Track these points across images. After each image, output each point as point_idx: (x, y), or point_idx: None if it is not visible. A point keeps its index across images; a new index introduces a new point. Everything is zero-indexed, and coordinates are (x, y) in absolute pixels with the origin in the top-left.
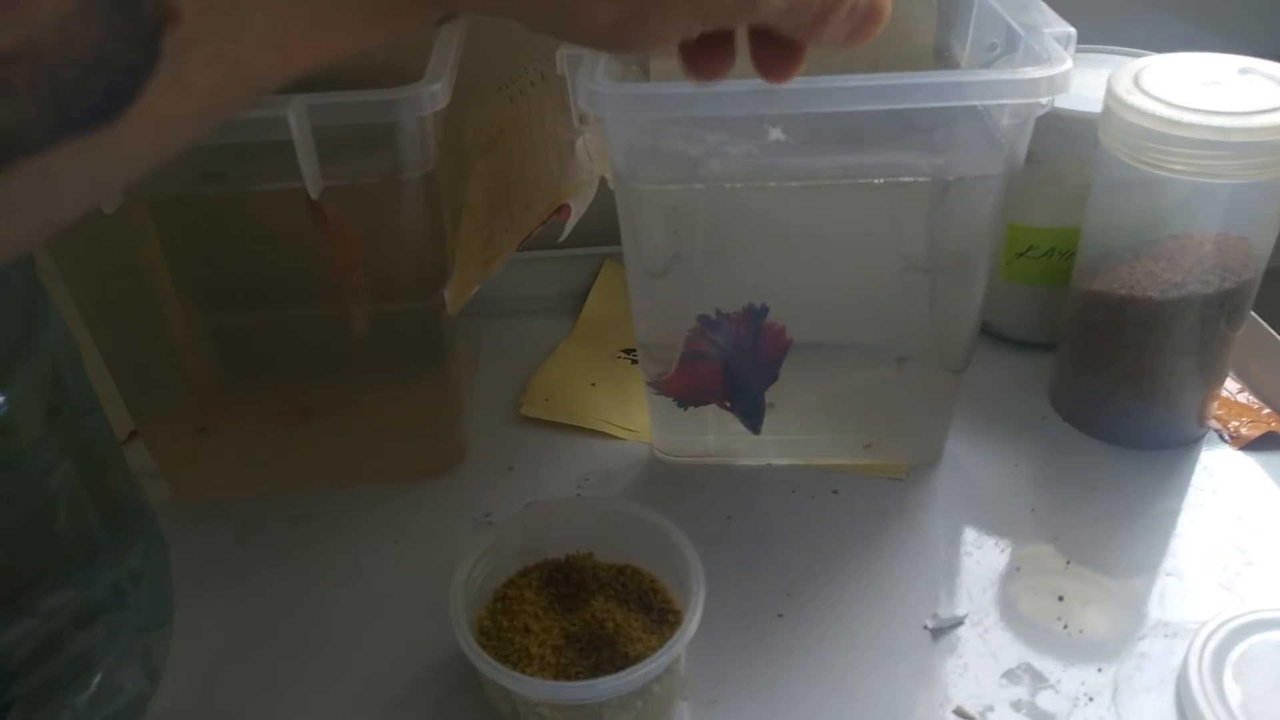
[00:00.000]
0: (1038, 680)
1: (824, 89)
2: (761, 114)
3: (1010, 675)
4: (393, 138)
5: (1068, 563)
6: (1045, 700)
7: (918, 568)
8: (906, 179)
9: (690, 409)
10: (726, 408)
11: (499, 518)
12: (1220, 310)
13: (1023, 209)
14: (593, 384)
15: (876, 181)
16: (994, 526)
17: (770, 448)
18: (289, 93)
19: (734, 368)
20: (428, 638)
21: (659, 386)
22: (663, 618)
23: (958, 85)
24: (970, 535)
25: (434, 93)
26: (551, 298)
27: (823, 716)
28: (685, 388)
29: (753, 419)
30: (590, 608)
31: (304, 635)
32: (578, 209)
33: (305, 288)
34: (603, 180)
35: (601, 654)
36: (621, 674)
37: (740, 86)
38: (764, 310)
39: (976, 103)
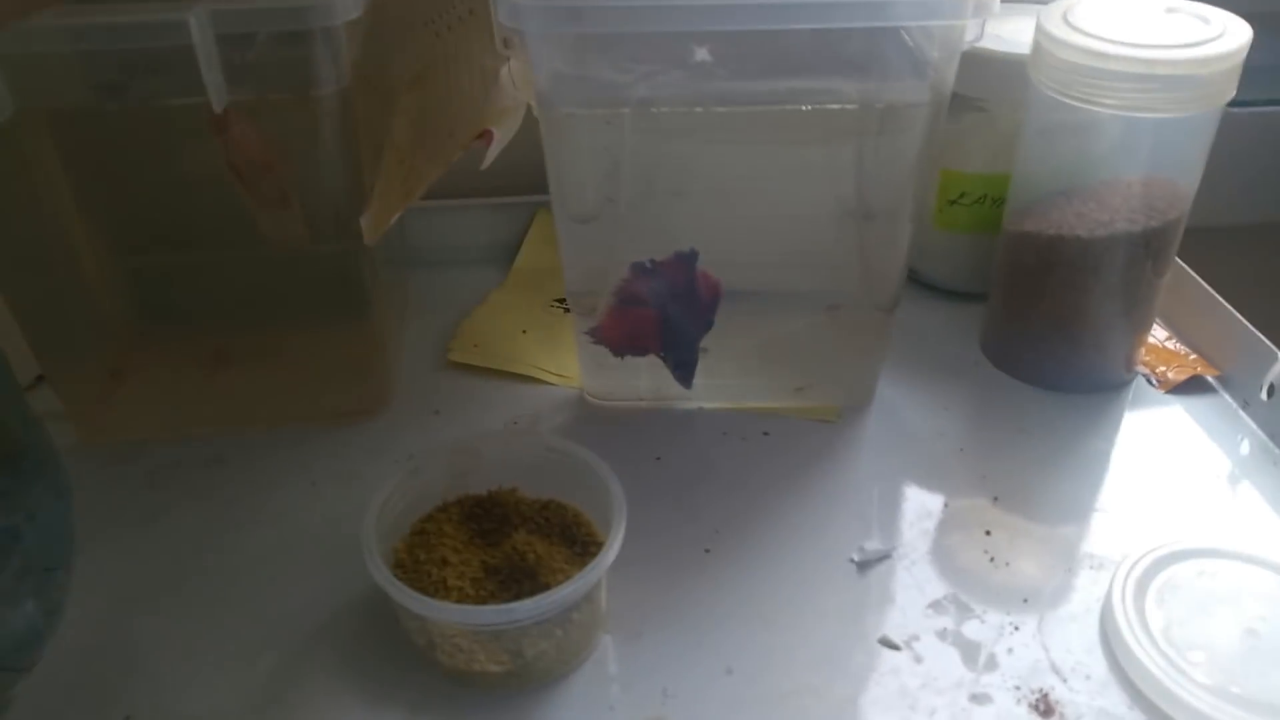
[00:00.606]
0: (964, 611)
1: (750, 5)
2: (688, 30)
3: (936, 606)
4: (304, 50)
5: (995, 499)
6: (971, 629)
7: (846, 505)
8: (834, 105)
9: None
10: (661, 358)
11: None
12: (1147, 250)
13: (956, 155)
14: (524, 331)
15: (804, 108)
16: (923, 466)
17: (702, 391)
18: None
19: (670, 315)
20: (344, 577)
21: (595, 335)
22: (586, 550)
23: (882, 5)
24: (899, 474)
25: (344, 1)
26: (484, 247)
27: (747, 647)
28: (621, 337)
29: (685, 371)
30: (511, 540)
31: (215, 576)
32: (501, 136)
33: (224, 229)
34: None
35: (523, 585)
36: (539, 598)
37: (667, 1)
38: (694, 255)
39: (900, 24)
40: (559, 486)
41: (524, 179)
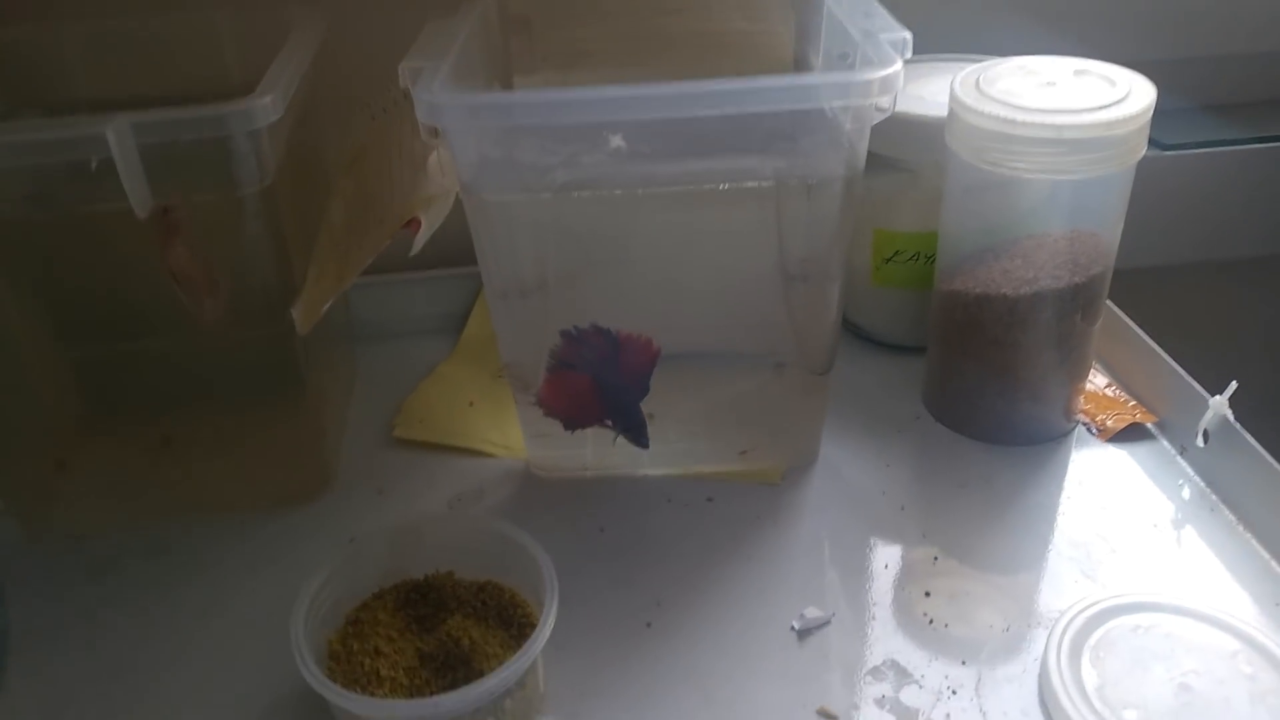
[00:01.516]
0: (902, 676)
1: (658, 95)
2: (599, 121)
3: (875, 672)
4: (227, 153)
5: (935, 559)
6: (909, 695)
7: (788, 571)
8: (750, 184)
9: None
10: (609, 426)
11: None
12: (1074, 304)
13: (888, 214)
14: (470, 403)
15: (722, 187)
16: (865, 526)
17: (646, 459)
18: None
19: (603, 381)
20: (283, 668)
21: (544, 408)
22: (522, 632)
23: (787, 89)
24: (841, 536)
25: (265, 106)
26: (432, 318)
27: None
28: (564, 406)
29: (636, 433)
30: (446, 626)
31: (155, 672)
32: (430, 223)
33: (164, 317)
34: None
35: (457, 672)
36: (466, 689)
37: (579, 94)
38: (611, 332)
39: (806, 106)
40: (496, 567)
41: (470, 250)
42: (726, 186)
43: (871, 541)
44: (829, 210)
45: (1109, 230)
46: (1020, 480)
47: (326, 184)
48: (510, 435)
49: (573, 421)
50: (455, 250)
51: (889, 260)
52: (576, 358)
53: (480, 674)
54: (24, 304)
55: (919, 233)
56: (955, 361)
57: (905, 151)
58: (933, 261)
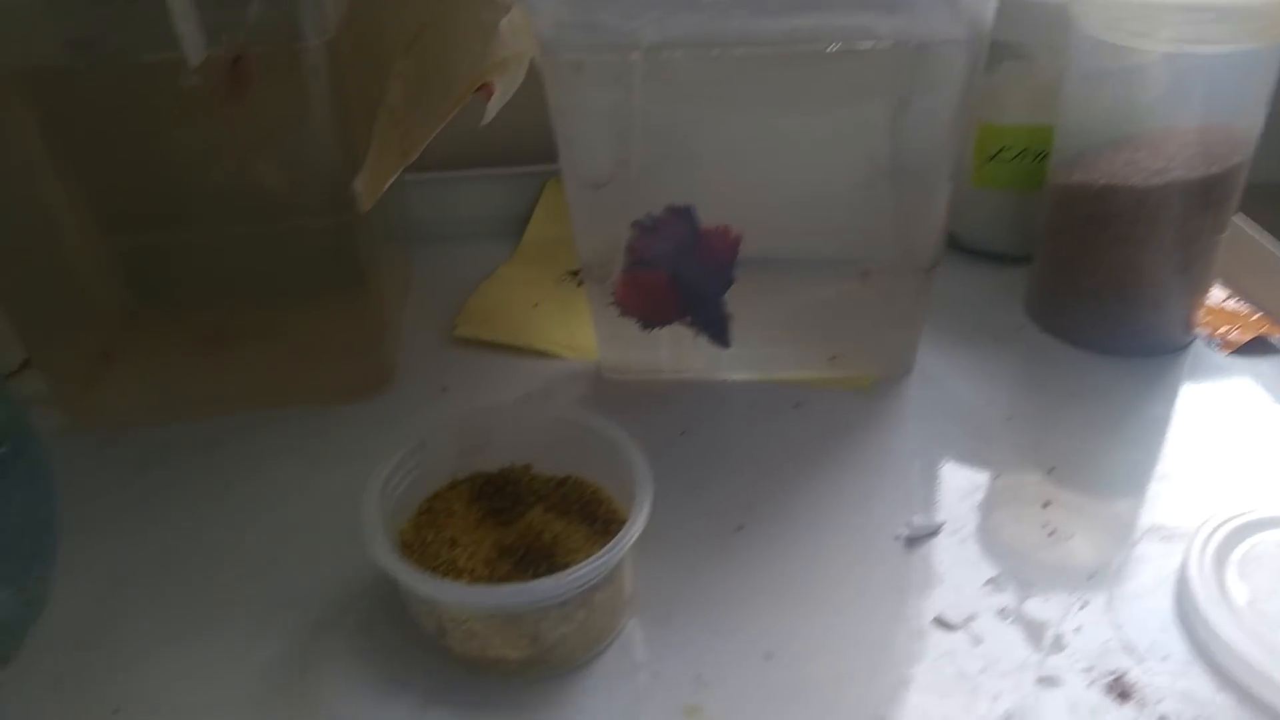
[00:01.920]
0: (1024, 588)
1: None
2: None
3: (993, 583)
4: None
5: (1051, 469)
6: (1033, 608)
7: (888, 479)
8: (864, 44)
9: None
10: (689, 324)
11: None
12: (1206, 200)
13: (992, 108)
14: (535, 305)
15: (830, 49)
16: (970, 436)
17: (727, 362)
18: None
19: (681, 274)
20: (348, 561)
21: (621, 307)
22: (607, 528)
23: None
24: (944, 445)
25: None
26: (490, 220)
27: (787, 630)
28: (640, 304)
29: (716, 330)
30: (526, 519)
31: (209, 563)
32: (503, 90)
33: (217, 205)
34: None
35: (539, 566)
36: (558, 576)
37: None
38: (688, 210)
39: None
40: (576, 462)
41: (532, 147)
42: (836, 47)
43: (979, 451)
44: (948, 88)
45: (1247, 120)
46: (1138, 392)
47: (385, 66)
48: (578, 337)
49: (650, 320)
50: (516, 145)
51: (993, 158)
52: (652, 251)
53: (565, 567)
54: (71, 185)
55: (1028, 126)
56: (1070, 263)
57: (1017, 35)
58: (1040, 160)
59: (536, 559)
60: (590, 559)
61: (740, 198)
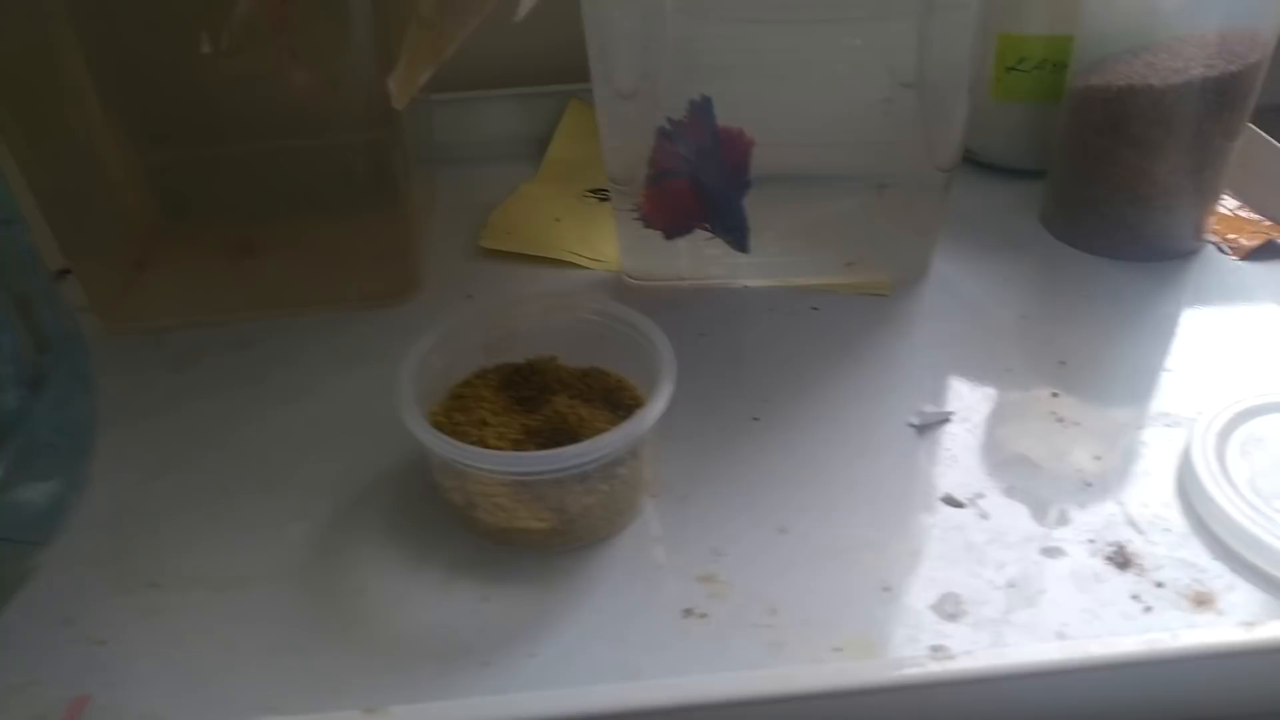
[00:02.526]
0: (1032, 469)
1: None
2: None
3: (1002, 465)
4: None
5: (1062, 363)
6: (1040, 486)
7: (902, 372)
8: None
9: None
10: (708, 230)
11: None
12: (1221, 101)
13: (1013, 18)
14: (557, 219)
15: None
16: (983, 333)
17: (746, 269)
18: None
19: (703, 178)
20: (377, 449)
21: (645, 220)
22: (630, 413)
23: None
24: (958, 342)
25: None
26: (512, 141)
27: (801, 506)
28: (665, 214)
29: (737, 234)
30: (553, 404)
31: (241, 451)
32: None
33: (250, 120)
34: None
35: (564, 446)
36: (583, 444)
37: None
38: (706, 102)
39: None
40: (601, 355)
41: (554, 65)
42: None
43: (991, 347)
44: None
45: (1268, 21)
46: (1149, 293)
47: None
48: (600, 249)
49: (673, 229)
50: (538, 65)
51: (1012, 69)
52: (673, 159)
53: None
54: (108, 98)
55: (1048, 36)
56: (1085, 170)
57: None
58: (1060, 71)
59: (562, 440)
60: (613, 431)
61: (763, 112)
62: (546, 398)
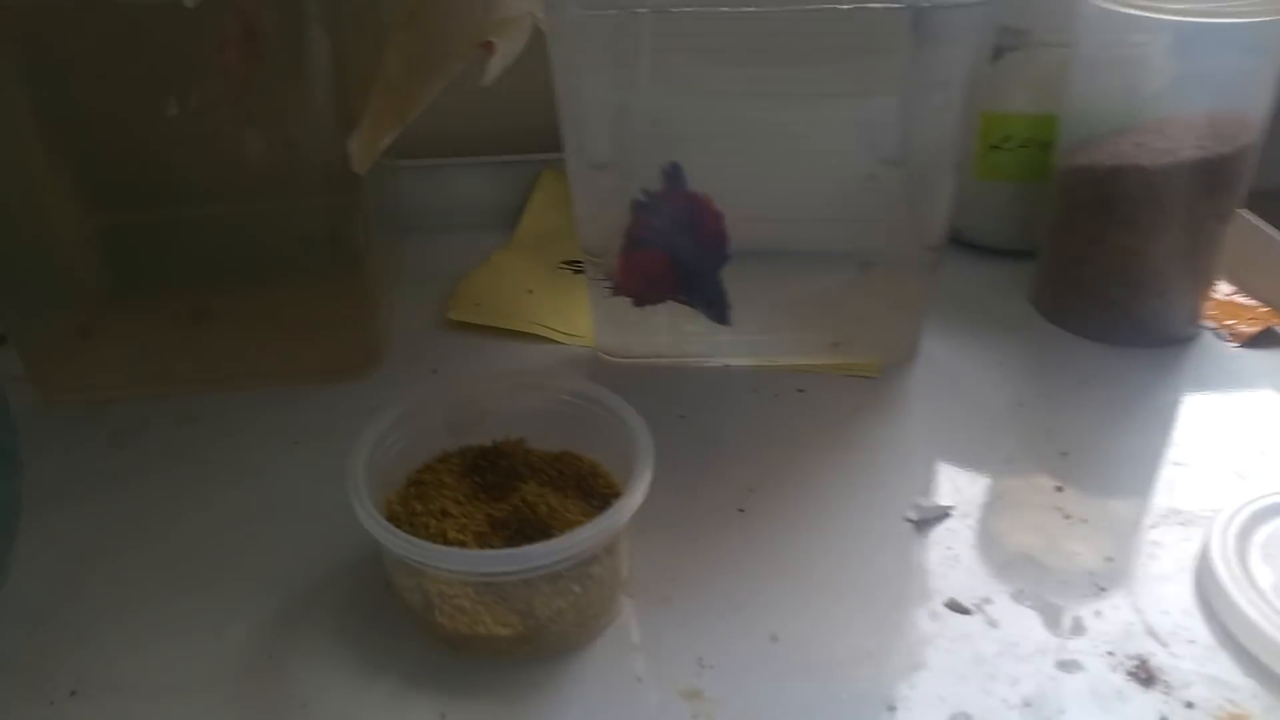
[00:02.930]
0: (1040, 571)
1: None
2: None
3: (1008, 566)
4: None
5: (1064, 454)
6: (1050, 590)
7: (894, 460)
8: (875, 4)
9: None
10: (684, 302)
11: None
12: (1213, 181)
13: (996, 96)
14: (529, 290)
15: (843, 7)
16: (979, 420)
17: (727, 347)
18: None
19: (678, 250)
20: (327, 541)
21: (613, 285)
22: (606, 503)
23: None
24: (954, 428)
25: None
26: (484, 211)
27: (793, 611)
28: (635, 282)
29: (716, 307)
30: (520, 493)
31: (180, 540)
32: (505, 50)
33: (204, 184)
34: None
35: (533, 540)
36: (553, 541)
37: None
38: (675, 169)
39: None
40: (573, 437)
41: (528, 134)
42: (849, 6)
43: (988, 436)
44: (959, 57)
45: (1256, 104)
46: (1148, 380)
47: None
48: (574, 322)
49: (646, 298)
50: (511, 133)
51: (996, 148)
52: (646, 229)
53: None
54: (53, 159)
55: (1032, 114)
56: (1076, 251)
57: (1022, 19)
58: (1045, 149)
59: (531, 533)
60: (587, 525)
61: (741, 185)
62: (514, 485)
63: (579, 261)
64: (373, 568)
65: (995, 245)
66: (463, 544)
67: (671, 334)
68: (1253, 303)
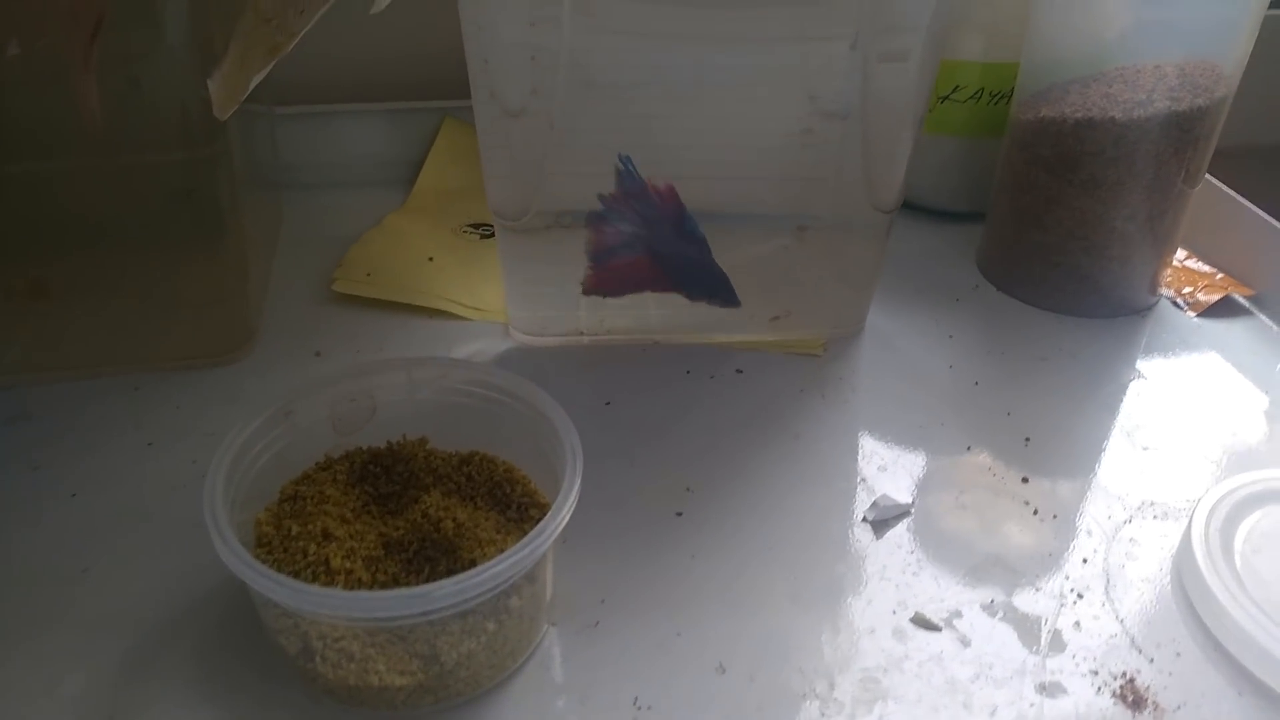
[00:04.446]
0: (1012, 576)
1: None
2: None
3: (976, 573)
4: None
5: (1027, 440)
6: (1024, 600)
7: (845, 451)
8: None
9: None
10: (686, 296)
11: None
12: (1187, 136)
13: (950, 40)
14: (430, 258)
15: None
16: (934, 402)
17: (656, 322)
18: None
19: (660, 246)
20: (188, 564)
21: (586, 287)
22: (524, 514)
23: None
24: (907, 413)
25: None
26: (378, 164)
27: (741, 636)
28: (618, 285)
29: (724, 292)
30: (421, 505)
31: (6, 567)
32: None
33: (36, 135)
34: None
35: (437, 565)
36: (464, 576)
37: None
38: (627, 162)
39: None
40: (484, 436)
41: (428, 78)
42: None
43: (947, 419)
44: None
45: (1229, 58)
46: (1108, 354)
47: None
48: (482, 296)
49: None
50: (409, 76)
51: (945, 99)
52: (616, 237)
53: (472, 564)
54: None
55: (986, 63)
56: (1032, 214)
57: None
58: (998, 102)
59: (434, 555)
60: (506, 553)
61: (667, 140)
62: (413, 495)
63: (487, 224)
64: (243, 602)
65: (938, 207)
66: (349, 572)
67: (594, 308)
68: (1208, 269)
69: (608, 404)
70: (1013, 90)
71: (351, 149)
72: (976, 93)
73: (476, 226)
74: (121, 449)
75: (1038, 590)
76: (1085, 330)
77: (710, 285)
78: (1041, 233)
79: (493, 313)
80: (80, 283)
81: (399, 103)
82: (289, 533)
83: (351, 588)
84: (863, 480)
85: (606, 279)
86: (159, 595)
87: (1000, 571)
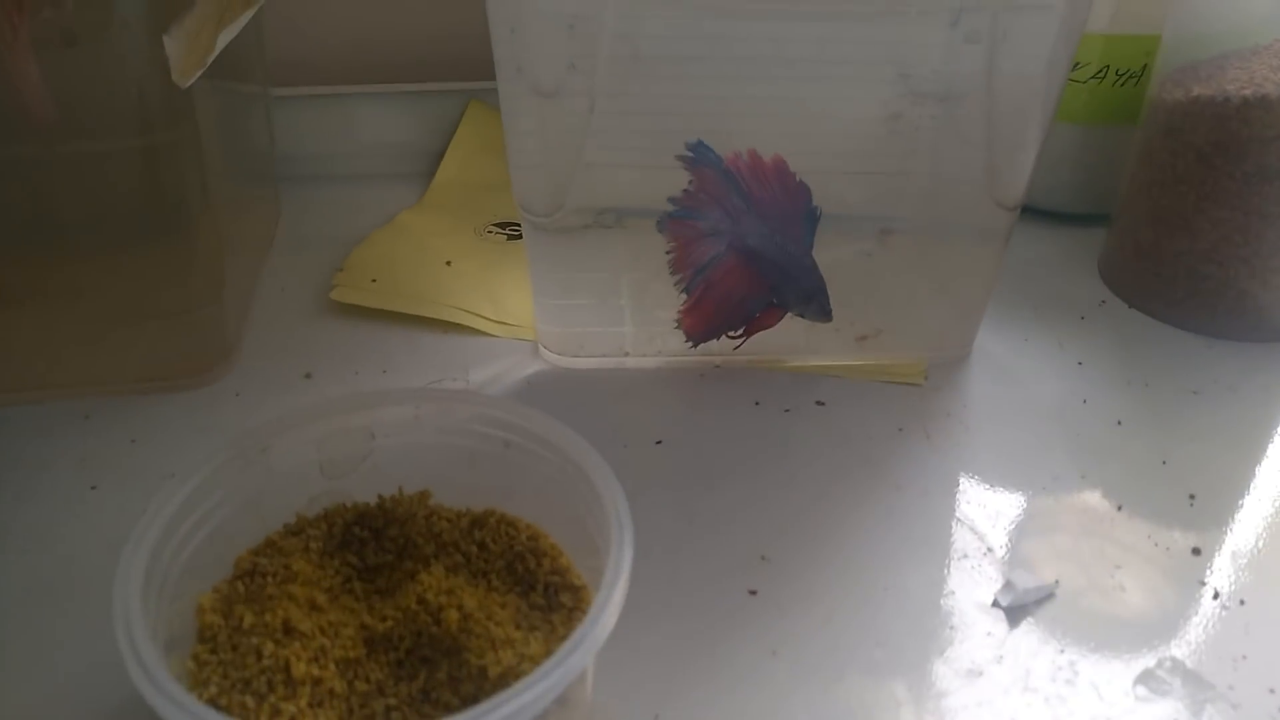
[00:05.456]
0: (1195, 687)
1: None
2: None
3: (1147, 680)
4: None
5: (1191, 498)
6: (1213, 717)
7: (961, 511)
8: None
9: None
10: (779, 309)
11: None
12: None
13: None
14: (447, 262)
15: None
16: (1069, 447)
17: (716, 342)
18: None
19: (754, 242)
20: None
21: (687, 333)
22: (553, 600)
23: None
24: (1034, 460)
25: None
26: (391, 154)
27: None
28: (717, 320)
29: (818, 300)
30: (417, 586)
31: None
32: None
33: None
34: None
35: (436, 670)
36: (475, 711)
37: None
38: (699, 147)
39: None
40: (503, 490)
41: (452, 56)
42: None
43: (1086, 469)
44: None
45: None
46: (1275, 389)
47: None
48: (508, 307)
49: (732, 326)
50: (430, 55)
51: None
52: (701, 245)
53: (480, 675)
54: None
55: (1112, 35)
56: (1177, 214)
57: None
58: (1126, 82)
59: (432, 656)
60: (532, 676)
61: (724, 125)
62: (409, 569)
63: (514, 224)
64: None
65: (1052, 208)
66: (317, 682)
67: (639, 323)
68: None
69: (658, 443)
70: (1145, 68)
71: (360, 137)
72: (1100, 71)
73: (504, 226)
74: (55, 495)
75: (1233, 707)
76: (1242, 358)
77: (808, 288)
78: (1189, 238)
79: (520, 328)
80: (21, 290)
81: (417, 84)
82: (240, 624)
83: (319, 703)
84: (988, 551)
85: (710, 311)
86: (87, 694)
87: (1179, 680)
